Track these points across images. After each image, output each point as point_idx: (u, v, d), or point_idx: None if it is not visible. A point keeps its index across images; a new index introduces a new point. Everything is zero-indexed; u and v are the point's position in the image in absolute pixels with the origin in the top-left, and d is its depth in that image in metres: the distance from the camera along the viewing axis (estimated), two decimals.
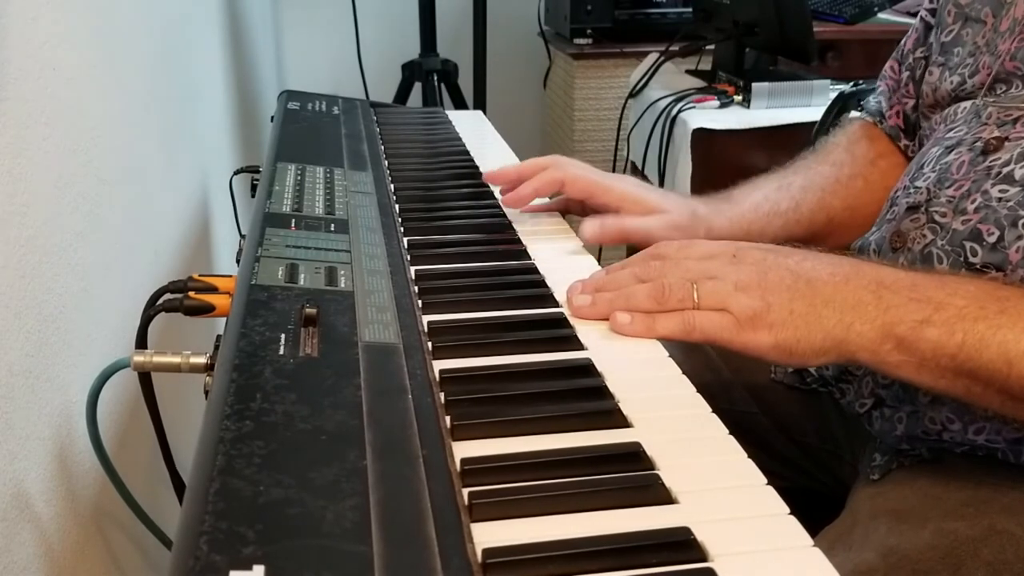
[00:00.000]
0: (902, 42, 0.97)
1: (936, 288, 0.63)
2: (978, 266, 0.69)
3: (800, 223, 0.93)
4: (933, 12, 0.91)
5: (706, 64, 1.95)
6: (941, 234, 0.72)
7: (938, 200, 0.74)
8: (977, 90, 0.79)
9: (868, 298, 0.63)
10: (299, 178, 0.91)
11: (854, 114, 1.03)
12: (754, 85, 1.68)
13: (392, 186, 0.98)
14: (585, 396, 0.58)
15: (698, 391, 0.61)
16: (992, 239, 0.69)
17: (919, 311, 0.61)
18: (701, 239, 0.86)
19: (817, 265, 0.66)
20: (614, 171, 2.10)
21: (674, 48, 1.93)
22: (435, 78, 2.29)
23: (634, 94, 1.93)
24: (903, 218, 0.77)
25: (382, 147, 1.12)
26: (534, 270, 0.79)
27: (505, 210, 0.93)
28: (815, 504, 0.66)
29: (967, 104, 0.79)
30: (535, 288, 0.75)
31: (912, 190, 0.78)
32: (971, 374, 0.61)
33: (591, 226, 0.84)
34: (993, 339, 0.59)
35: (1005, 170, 0.70)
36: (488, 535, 0.45)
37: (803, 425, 0.92)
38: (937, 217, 0.73)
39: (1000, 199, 0.69)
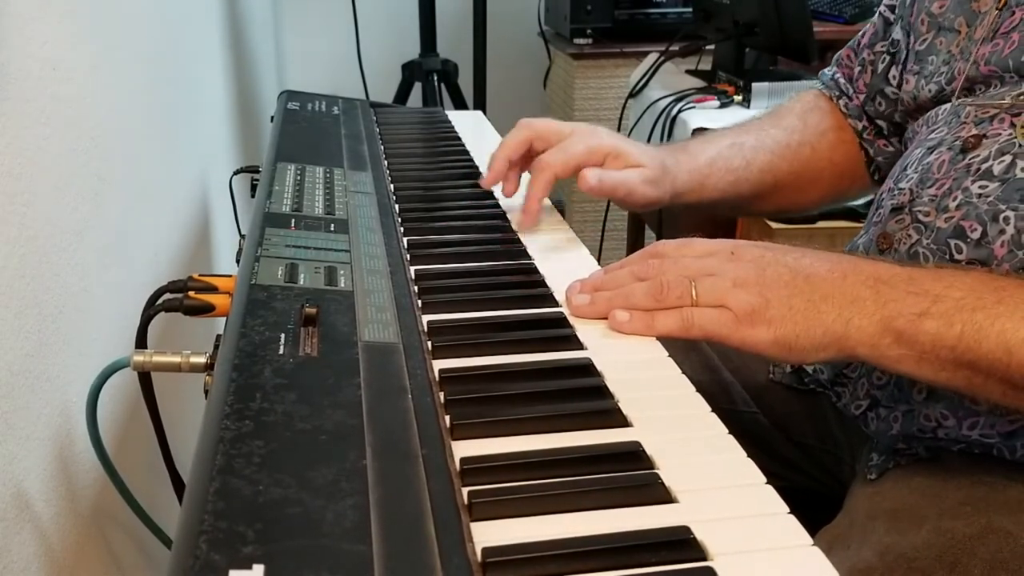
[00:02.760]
0: (859, 34, 0.99)
1: (933, 281, 0.63)
2: (963, 263, 0.70)
3: (749, 181, 0.97)
4: (892, 8, 0.93)
5: (706, 64, 1.95)
6: (926, 233, 0.73)
7: (921, 200, 0.75)
8: (953, 95, 0.80)
9: (866, 293, 0.63)
10: (299, 178, 0.91)
11: (812, 82, 1.07)
12: (754, 85, 1.68)
13: (392, 186, 0.98)
14: (585, 396, 0.59)
15: (697, 391, 0.61)
16: (975, 235, 0.69)
17: (917, 304, 0.62)
18: (669, 186, 0.92)
19: (815, 262, 0.66)
20: None
21: (674, 48, 1.93)
22: (435, 78, 2.29)
23: (634, 94, 1.93)
24: (888, 219, 0.77)
25: (382, 147, 1.12)
26: (534, 270, 0.79)
27: (505, 210, 0.93)
28: (814, 504, 0.66)
29: (946, 106, 0.80)
30: (535, 288, 0.75)
31: (896, 192, 0.78)
32: (971, 365, 0.61)
33: (592, 176, 0.86)
34: (992, 328, 0.60)
35: (984, 167, 0.71)
36: (487, 534, 0.45)
37: (802, 425, 0.92)
38: (921, 217, 0.74)
39: (980, 195, 0.70)
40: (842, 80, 1.00)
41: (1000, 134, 0.72)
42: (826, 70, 1.04)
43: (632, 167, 0.89)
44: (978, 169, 0.71)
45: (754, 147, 0.97)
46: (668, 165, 0.92)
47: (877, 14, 0.96)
